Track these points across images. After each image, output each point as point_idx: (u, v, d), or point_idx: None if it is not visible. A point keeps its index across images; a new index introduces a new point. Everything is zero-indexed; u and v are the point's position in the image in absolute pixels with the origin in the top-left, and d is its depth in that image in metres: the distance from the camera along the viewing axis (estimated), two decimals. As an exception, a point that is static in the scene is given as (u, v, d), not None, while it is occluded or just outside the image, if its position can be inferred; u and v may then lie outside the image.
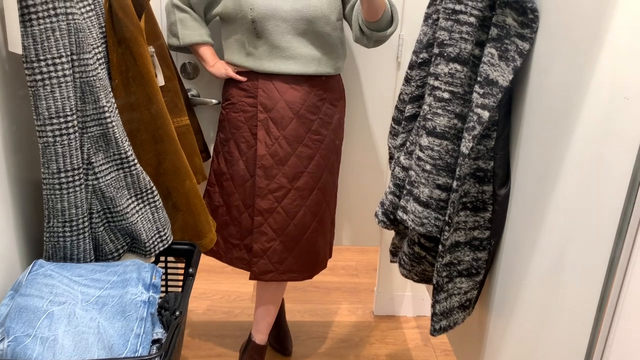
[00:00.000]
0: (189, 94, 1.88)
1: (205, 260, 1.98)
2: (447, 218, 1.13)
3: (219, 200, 1.74)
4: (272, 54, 1.61)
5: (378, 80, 1.94)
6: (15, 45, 0.93)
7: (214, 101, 1.87)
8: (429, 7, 1.27)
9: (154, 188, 1.17)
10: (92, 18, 1.11)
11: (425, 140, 1.16)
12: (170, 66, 1.60)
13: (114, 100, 1.12)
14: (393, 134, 1.41)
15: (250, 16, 1.57)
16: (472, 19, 1.08)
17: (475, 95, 1.08)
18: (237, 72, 1.69)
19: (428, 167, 1.15)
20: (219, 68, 1.72)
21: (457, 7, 1.09)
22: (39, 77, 0.94)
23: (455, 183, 1.11)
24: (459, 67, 1.10)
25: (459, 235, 1.16)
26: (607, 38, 0.81)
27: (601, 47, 0.82)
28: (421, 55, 1.25)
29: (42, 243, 1.10)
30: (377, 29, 1.55)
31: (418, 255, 1.26)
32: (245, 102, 1.68)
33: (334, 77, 1.73)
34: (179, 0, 1.69)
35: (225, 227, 1.73)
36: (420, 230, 1.16)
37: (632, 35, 0.76)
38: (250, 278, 1.72)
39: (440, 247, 1.15)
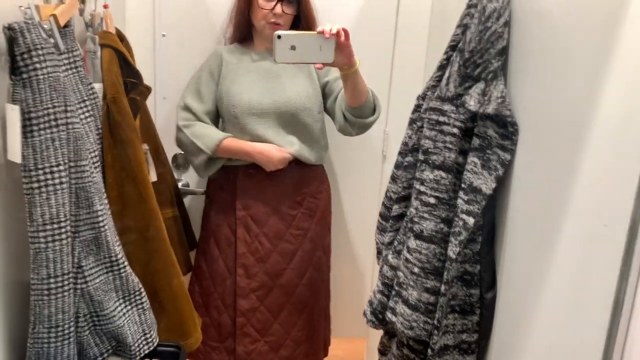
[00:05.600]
0: (179, 184, 1.91)
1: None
2: (435, 322, 1.14)
3: (198, 301, 1.70)
4: None
5: (364, 172, 2.00)
6: (15, 154, 0.95)
7: (203, 191, 1.90)
8: (413, 112, 1.34)
9: (142, 289, 1.16)
10: (91, 123, 1.15)
11: (413, 243, 1.18)
12: (162, 159, 1.63)
13: (107, 201, 1.14)
14: (381, 229, 1.43)
15: (232, 112, 1.63)
16: (455, 130, 1.14)
17: (460, 201, 1.11)
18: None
19: (416, 269, 1.17)
20: (275, 150, 1.62)
21: (441, 119, 1.15)
22: (35, 184, 0.96)
23: (443, 287, 1.12)
24: (443, 174, 1.15)
25: (447, 338, 1.16)
26: (584, 159, 0.85)
27: (578, 168, 0.87)
28: (407, 159, 1.30)
29: (24, 348, 1.07)
30: (360, 116, 1.60)
31: (407, 358, 1.25)
32: (224, 200, 1.69)
33: (315, 170, 1.73)
34: (183, 120, 1.66)
35: (205, 329, 1.68)
36: (409, 333, 1.16)
37: (610, 158, 0.80)
38: (234, 382, 1.66)
39: (429, 350, 1.15)
